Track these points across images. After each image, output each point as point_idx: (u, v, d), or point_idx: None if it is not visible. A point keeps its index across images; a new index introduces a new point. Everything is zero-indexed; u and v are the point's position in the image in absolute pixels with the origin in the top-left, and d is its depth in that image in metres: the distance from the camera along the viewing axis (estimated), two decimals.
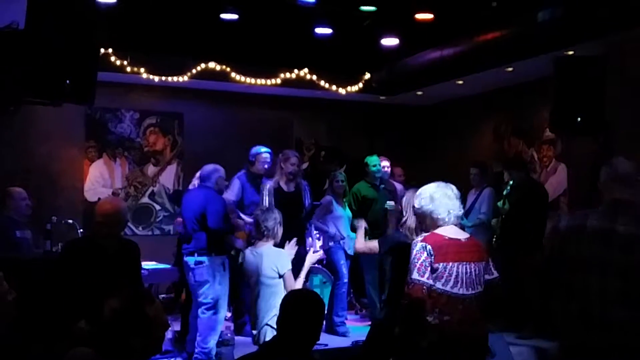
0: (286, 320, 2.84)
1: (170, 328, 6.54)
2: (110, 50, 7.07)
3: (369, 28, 7.07)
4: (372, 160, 6.90)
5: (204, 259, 5.58)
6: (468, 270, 3.32)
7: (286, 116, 8.89)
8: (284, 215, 6.14)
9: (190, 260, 5.62)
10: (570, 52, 6.31)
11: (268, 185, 6.27)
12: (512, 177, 6.47)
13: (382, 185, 6.91)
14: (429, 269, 3.26)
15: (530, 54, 6.47)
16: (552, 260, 3.12)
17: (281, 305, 2.91)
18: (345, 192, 6.91)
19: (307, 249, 6.55)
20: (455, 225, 3.44)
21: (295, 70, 8.12)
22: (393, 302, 3.72)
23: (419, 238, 3.39)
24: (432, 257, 3.27)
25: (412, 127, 9.35)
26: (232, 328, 6.52)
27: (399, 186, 7.27)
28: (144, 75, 7.38)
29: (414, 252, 3.30)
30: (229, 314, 6.88)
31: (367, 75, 8.51)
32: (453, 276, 3.28)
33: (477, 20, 6.76)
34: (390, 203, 6.42)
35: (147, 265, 6.25)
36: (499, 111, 8.31)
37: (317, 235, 6.80)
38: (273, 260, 4.55)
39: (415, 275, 3.25)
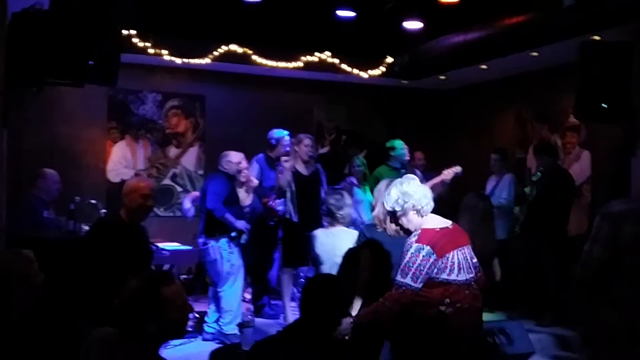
0: (308, 304, 2.86)
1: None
2: (133, 31, 7.09)
3: (391, 11, 6.99)
4: (398, 144, 6.90)
5: (208, 240, 5.73)
6: (463, 255, 3.36)
7: (307, 100, 8.86)
8: (302, 198, 6.19)
9: (200, 241, 5.80)
10: (596, 37, 6.20)
11: (280, 166, 6.29)
12: (542, 163, 6.39)
13: (404, 170, 6.89)
14: (424, 273, 3.23)
15: (556, 38, 6.36)
16: (603, 245, 3.12)
17: (303, 289, 2.93)
18: (365, 176, 6.90)
19: None
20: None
21: (317, 54, 8.08)
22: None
23: (413, 238, 3.34)
24: (434, 256, 3.25)
25: (434, 111, 9.28)
26: (252, 310, 6.58)
27: (416, 172, 7.24)
28: (167, 57, 7.39)
29: (408, 254, 3.26)
30: (248, 296, 6.94)
31: (389, 59, 8.45)
32: (456, 264, 3.30)
33: (502, 4, 6.67)
34: None
35: (168, 246, 6.33)
36: (522, 96, 8.21)
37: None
38: (350, 241, 4.52)
39: (408, 280, 3.23)
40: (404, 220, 3.40)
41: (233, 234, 5.73)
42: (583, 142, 7.40)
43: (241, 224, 5.78)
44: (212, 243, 5.74)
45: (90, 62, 4.31)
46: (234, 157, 5.93)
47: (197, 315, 6.50)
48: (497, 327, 4.43)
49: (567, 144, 7.57)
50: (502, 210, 6.89)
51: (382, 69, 8.45)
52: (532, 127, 8.08)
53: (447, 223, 3.43)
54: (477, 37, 7.13)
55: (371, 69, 8.39)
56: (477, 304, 3.38)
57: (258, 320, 6.42)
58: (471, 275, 3.36)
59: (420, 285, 3.24)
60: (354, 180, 6.71)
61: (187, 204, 6.47)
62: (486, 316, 6.31)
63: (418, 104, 9.24)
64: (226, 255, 5.72)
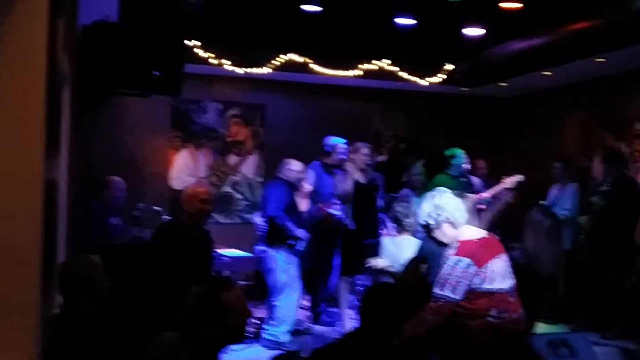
0: (367, 313, 2.85)
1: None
2: (195, 42, 7.25)
3: (452, 18, 6.93)
4: (459, 152, 6.81)
5: (266, 247, 5.79)
6: (502, 263, 3.33)
7: (366, 108, 8.86)
8: (358, 206, 6.19)
9: (260, 248, 5.88)
10: None
11: (344, 175, 6.29)
12: (611, 172, 6.19)
13: (463, 179, 6.79)
14: (464, 284, 3.19)
15: (623, 44, 6.17)
16: None
17: (362, 298, 2.92)
18: (425, 185, 6.84)
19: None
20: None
21: (376, 62, 8.08)
22: None
23: (450, 251, 3.30)
24: (474, 267, 3.21)
25: (494, 119, 9.13)
26: (310, 317, 6.61)
27: (476, 180, 7.15)
28: (228, 67, 7.52)
29: (447, 267, 3.24)
30: (306, 303, 6.97)
31: (449, 66, 8.37)
32: (496, 273, 3.27)
33: (567, 9, 6.51)
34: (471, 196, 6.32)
35: (228, 252, 6.42)
36: (587, 103, 7.98)
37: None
38: (414, 250, 4.52)
39: (446, 292, 3.20)
40: (438, 234, 3.39)
41: (291, 242, 5.78)
42: None
43: (301, 232, 5.82)
44: (270, 252, 5.80)
45: (155, 73, 4.44)
46: (295, 166, 6.00)
47: (256, 321, 6.57)
48: (560, 339, 4.32)
49: (634, 152, 7.31)
50: (565, 222, 6.71)
51: (442, 76, 8.37)
52: (597, 135, 7.84)
53: (483, 233, 3.43)
54: (541, 43, 6.98)
55: (430, 76, 8.33)
56: (520, 311, 3.33)
57: (316, 327, 6.45)
58: (513, 282, 3.33)
59: (459, 297, 3.21)
60: (410, 193, 6.66)
61: (258, 219, 6.55)
62: (550, 328, 6.17)
63: (478, 111, 9.10)
64: (284, 266, 5.77)
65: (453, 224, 3.34)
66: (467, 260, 3.22)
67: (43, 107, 2.26)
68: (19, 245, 2.07)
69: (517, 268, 3.83)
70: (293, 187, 6.01)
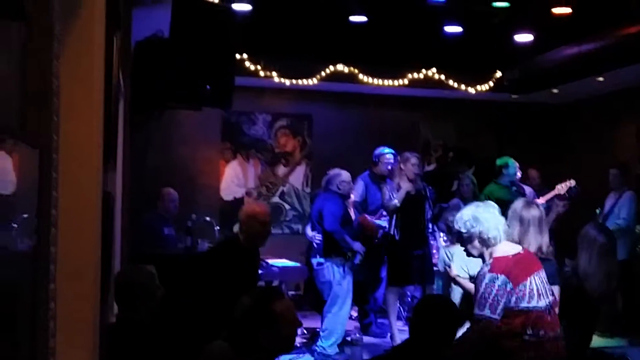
0: (419, 324, 2.83)
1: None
2: (245, 55, 7.37)
3: (501, 24, 6.86)
4: (511, 162, 6.72)
5: (323, 259, 5.80)
6: (539, 280, 3.23)
7: (414, 117, 8.82)
8: (407, 216, 6.15)
9: (314, 261, 5.91)
10: None
11: (390, 186, 6.25)
12: None
13: (514, 188, 6.69)
14: (501, 303, 3.11)
15: None
16: None
17: (414, 309, 2.91)
18: (475, 194, 6.76)
19: (432, 251, 6.49)
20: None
21: (423, 70, 8.05)
22: None
23: (485, 268, 3.21)
24: (510, 285, 3.12)
25: (546, 126, 8.96)
26: (359, 328, 6.59)
27: (528, 189, 7.01)
28: (276, 79, 7.62)
29: (484, 284, 3.15)
30: (355, 314, 6.96)
31: (498, 74, 8.27)
32: (534, 290, 3.18)
33: (618, 13, 6.36)
34: None
35: (277, 262, 6.46)
36: None
37: (444, 237, 6.72)
38: (464, 261, 4.50)
39: (486, 312, 3.11)
40: (467, 245, 3.32)
41: (349, 254, 5.80)
42: None
43: (358, 246, 5.84)
44: (327, 264, 5.83)
45: (207, 87, 4.53)
46: (347, 177, 6.02)
47: (305, 331, 6.59)
48: (618, 354, 4.21)
49: None
50: (621, 231, 6.53)
51: (491, 83, 8.28)
52: None
53: (518, 248, 3.32)
54: (593, 48, 6.83)
55: (479, 84, 8.24)
56: (558, 329, 3.23)
57: (365, 338, 6.43)
58: (550, 299, 3.24)
59: (499, 316, 3.12)
60: (460, 202, 6.58)
61: (310, 232, 6.58)
62: (607, 341, 5.99)
63: (529, 118, 8.95)
64: (339, 278, 5.79)
65: (484, 242, 3.25)
66: (503, 277, 3.14)
67: (101, 120, 2.34)
68: (79, 256, 2.14)
69: (569, 288, 3.74)
70: (345, 198, 6.03)
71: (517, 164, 6.80)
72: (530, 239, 3.70)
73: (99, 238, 2.34)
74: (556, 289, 3.83)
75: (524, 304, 3.15)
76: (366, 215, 6.41)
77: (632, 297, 6.35)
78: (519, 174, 6.91)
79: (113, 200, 3.29)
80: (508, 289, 3.13)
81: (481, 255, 3.29)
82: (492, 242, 3.25)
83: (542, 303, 3.19)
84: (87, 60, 2.18)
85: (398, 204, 6.06)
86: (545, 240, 3.78)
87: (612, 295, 4.77)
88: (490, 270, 3.18)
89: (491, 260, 3.23)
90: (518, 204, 3.84)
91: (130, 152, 5.08)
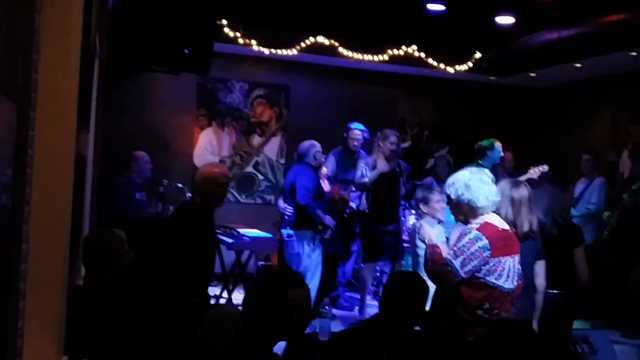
0: (388, 300, 2.85)
1: None
2: (224, 21, 7.25)
3: (484, 5, 6.84)
4: (497, 145, 6.76)
5: (293, 232, 5.81)
6: (512, 263, 3.26)
7: (391, 93, 8.81)
8: (380, 193, 6.16)
9: (284, 232, 5.91)
10: None
11: (362, 163, 6.23)
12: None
13: (494, 172, 6.73)
14: (474, 263, 3.14)
15: None
16: None
17: (384, 285, 2.92)
18: (449, 174, 6.79)
19: (403, 228, 6.54)
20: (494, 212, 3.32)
21: (404, 47, 8.01)
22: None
23: (474, 225, 3.24)
24: (488, 252, 3.15)
25: (522, 110, 9.02)
26: (328, 301, 6.63)
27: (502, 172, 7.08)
28: (255, 48, 7.52)
29: (467, 238, 3.18)
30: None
31: (478, 55, 8.28)
32: (505, 270, 3.20)
33: (601, 1, 6.39)
34: None
35: (248, 232, 6.45)
36: (618, 97, 7.85)
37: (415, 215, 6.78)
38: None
39: (457, 263, 3.14)
40: (455, 209, 3.33)
41: (319, 228, 5.81)
42: None
43: (329, 220, 5.84)
44: (297, 237, 5.83)
45: (185, 51, 4.45)
46: (320, 148, 5.98)
47: None
48: (580, 336, 4.28)
49: None
50: (591, 216, 6.66)
51: (470, 64, 8.29)
52: (627, 129, 7.73)
53: (506, 227, 3.33)
54: (573, 35, 6.87)
55: (458, 64, 8.25)
56: (511, 313, 3.28)
57: (333, 310, 6.48)
58: (515, 284, 3.27)
59: (464, 275, 3.14)
60: (433, 181, 6.62)
61: (281, 203, 6.57)
62: None
63: (506, 101, 9.00)
64: (308, 251, 5.80)
65: (473, 210, 3.25)
66: (486, 241, 3.15)
67: (77, 80, 2.28)
68: (50, 217, 2.10)
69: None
70: (317, 170, 6.01)
71: (501, 147, 6.84)
72: (523, 218, 3.73)
73: (70, 200, 2.29)
74: (542, 263, 3.92)
75: (491, 279, 3.18)
76: (337, 188, 6.43)
77: (595, 282, 6.48)
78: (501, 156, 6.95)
79: (85, 162, 3.23)
80: (485, 255, 3.15)
81: (466, 223, 3.30)
82: (480, 212, 3.26)
83: (508, 285, 3.21)
84: (65, 17, 2.12)
85: (368, 183, 6.06)
86: (535, 218, 3.82)
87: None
88: (477, 229, 3.20)
89: (482, 222, 3.24)
90: (505, 185, 3.82)
91: (104, 115, 4.99)
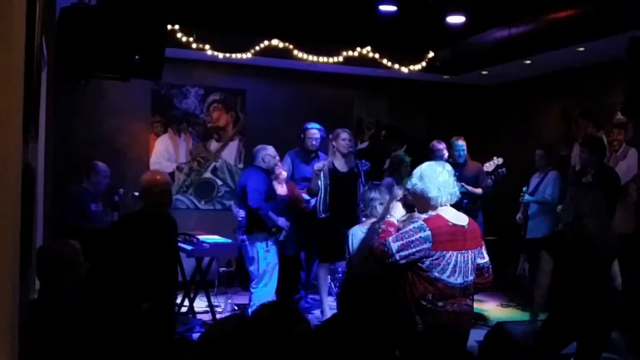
0: (345, 299, 2.86)
1: (230, 301, 6.70)
2: (176, 26, 7.18)
3: (434, 5, 6.93)
4: (459, 144, 6.89)
5: (246, 236, 5.80)
6: (466, 258, 3.27)
7: (347, 94, 8.85)
8: (338, 195, 6.18)
9: (240, 237, 5.88)
10: None
11: (321, 165, 6.23)
12: (591, 161, 6.15)
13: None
14: (412, 251, 3.17)
15: (604, 33, 6.21)
16: None
17: (341, 285, 2.93)
18: (409, 173, 6.85)
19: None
20: (452, 205, 3.35)
21: (358, 49, 8.06)
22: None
23: (423, 215, 3.29)
24: (429, 244, 3.18)
25: (476, 107, 9.17)
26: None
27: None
28: (209, 52, 7.46)
29: (411, 225, 3.23)
30: None
31: (431, 54, 8.38)
32: (451, 265, 3.22)
33: None
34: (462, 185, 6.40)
35: (208, 238, 6.40)
36: (567, 92, 8.05)
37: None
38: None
39: (395, 246, 3.18)
40: (413, 199, 3.38)
41: (273, 230, 5.78)
42: (630, 139, 7.23)
43: (282, 222, 5.83)
44: (251, 241, 5.81)
45: (136, 57, 4.38)
46: (272, 151, 5.98)
47: (236, 307, 6.58)
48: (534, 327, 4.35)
49: (613, 141, 7.40)
50: (546, 207, 6.81)
51: (423, 63, 8.38)
52: (577, 123, 7.93)
53: (463, 221, 3.33)
54: (522, 32, 7.00)
55: (412, 64, 8.33)
56: (464, 305, 3.32)
57: None
58: (470, 279, 3.30)
59: (399, 260, 3.17)
60: (394, 182, 6.66)
61: (234, 207, 6.53)
62: (525, 315, 6.22)
63: (460, 99, 9.14)
64: (263, 254, 5.79)
65: (427, 201, 3.29)
66: (429, 233, 3.17)
67: (21, 90, 2.23)
68: None
69: None
70: (269, 173, 6.00)
71: (464, 145, 6.96)
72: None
73: (18, 211, 2.23)
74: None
75: (434, 273, 3.20)
76: (293, 185, 6.45)
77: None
78: (462, 154, 7.06)
79: (34, 172, 3.15)
80: (425, 246, 3.17)
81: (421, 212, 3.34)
82: (433, 203, 3.28)
83: (457, 280, 3.23)
84: (6, 26, 2.06)
85: (312, 187, 6.09)
86: None
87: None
88: (424, 220, 3.23)
89: (433, 214, 3.27)
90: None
91: (55, 123, 4.88)
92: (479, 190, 6.89)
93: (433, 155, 6.95)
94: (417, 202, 3.39)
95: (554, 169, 7.01)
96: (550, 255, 4.19)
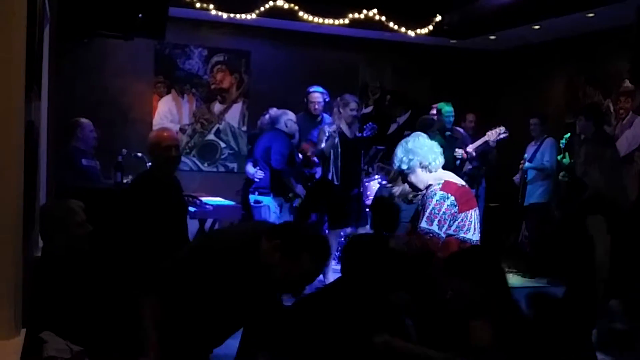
0: (349, 263, 2.87)
1: None
2: None
3: None
4: (447, 109, 6.82)
5: (262, 198, 5.79)
6: (475, 216, 3.39)
7: (352, 58, 8.76)
8: (344, 160, 6.17)
9: (251, 198, 5.86)
10: None
11: (327, 128, 6.20)
12: (587, 129, 6.07)
13: (448, 133, 6.79)
14: (448, 221, 3.22)
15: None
16: None
17: (344, 249, 2.94)
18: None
19: (367, 193, 6.58)
20: (454, 172, 3.52)
21: (364, 10, 7.95)
22: None
23: (436, 186, 3.31)
24: (456, 208, 3.24)
25: (483, 72, 9.08)
26: None
27: (460, 130, 7.23)
28: (213, 12, 7.36)
29: (434, 201, 3.25)
30: None
31: (438, 18, 8.26)
32: (473, 224, 3.33)
33: None
34: (458, 151, 6.42)
35: (211, 200, 6.40)
36: (575, 59, 7.95)
37: (379, 179, 6.84)
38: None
39: (434, 227, 3.22)
40: (413, 179, 3.39)
41: (290, 195, 5.80)
42: (637, 107, 7.16)
43: (300, 189, 5.85)
44: (265, 203, 5.82)
45: (139, 15, 4.33)
46: (294, 117, 5.99)
47: None
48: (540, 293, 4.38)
49: (620, 109, 7.34)
50: (544, 172, 6.82)
51: (430, 27, 8.27)
52: (584, 91, 7.85)
53: (463, 182, 3.45)
54: None
55: (419, 27, 8.22)
56: None
57: None
58: (479, 236, 3.40)
59: (445, 235, 3.24)
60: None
61: (251, 169, 6.47)
62: (527, 281, 6.26)
63: (467, 64, 9.04)
64: (274, 219, 5.76)
65: (427, 168, 3.33)
66: (452, 198, 3.25)
67: (23, 47, 2.20)
68: (0, 187, 2.04)
69: None
70: (291, 137, 6.00)
71: (452, 111, 6.90)
72: None
73: (21, 169, 2.23)
74: None
75: (461, 234, 3.27)
76: (308, 145, 6.42)
77: (550, 239, 6.64)
78: (451, 120, 7.01)
79: (37, 130, 3.14)
80: (453, 211, 3.24)
81: (428, 188, 3.38)
82: (433, 166, 3.34)
83: (476, 237, 3.34)
84: None
85: (325, 149, 6.06)
86: None
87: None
88: (441, 189, 3.27)
89: (442, 181, 3.31)
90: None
91: (57, 82, 4.84)
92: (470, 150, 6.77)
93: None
94: (418, 180, 3.39)
95: (549, 136, 7.02)
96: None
